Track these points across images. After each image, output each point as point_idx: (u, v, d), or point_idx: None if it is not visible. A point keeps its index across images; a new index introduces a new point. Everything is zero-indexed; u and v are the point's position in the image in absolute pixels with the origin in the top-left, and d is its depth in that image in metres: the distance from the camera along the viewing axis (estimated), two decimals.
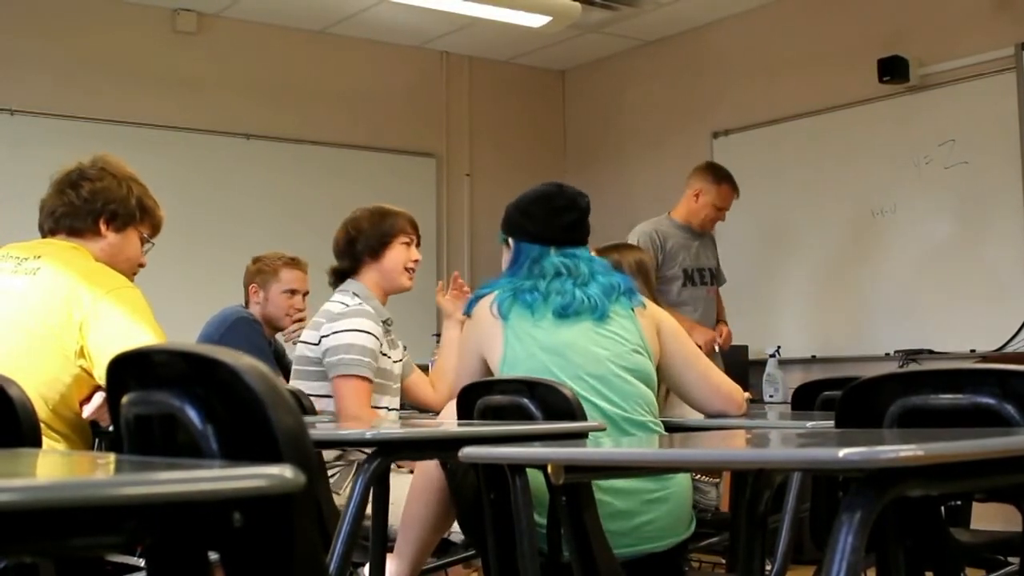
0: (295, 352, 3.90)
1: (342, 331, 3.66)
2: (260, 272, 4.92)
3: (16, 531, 0.91)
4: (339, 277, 3.93)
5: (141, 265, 3.24)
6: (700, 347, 5.61)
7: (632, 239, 5.71)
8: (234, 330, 4.67)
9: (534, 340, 2.96)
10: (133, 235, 3.16)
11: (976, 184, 6.24)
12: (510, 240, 3.21)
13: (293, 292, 4.82)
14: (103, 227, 3.09)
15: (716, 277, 5.94)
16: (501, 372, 2.99)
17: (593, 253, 3.84)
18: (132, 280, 3.13)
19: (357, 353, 3.63)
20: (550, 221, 3.14)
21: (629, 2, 7.27)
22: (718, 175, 5.91)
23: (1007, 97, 6.11)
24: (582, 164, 8.53)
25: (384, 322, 3.81)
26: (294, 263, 4.87)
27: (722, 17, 7.55)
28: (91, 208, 3.08)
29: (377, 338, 3.70)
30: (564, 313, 2.99)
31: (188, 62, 7.29)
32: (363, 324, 3.68)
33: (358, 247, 3.87)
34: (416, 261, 3.94)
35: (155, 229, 3.25)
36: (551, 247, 3.12)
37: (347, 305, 3.75)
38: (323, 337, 3.69)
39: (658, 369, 3.08)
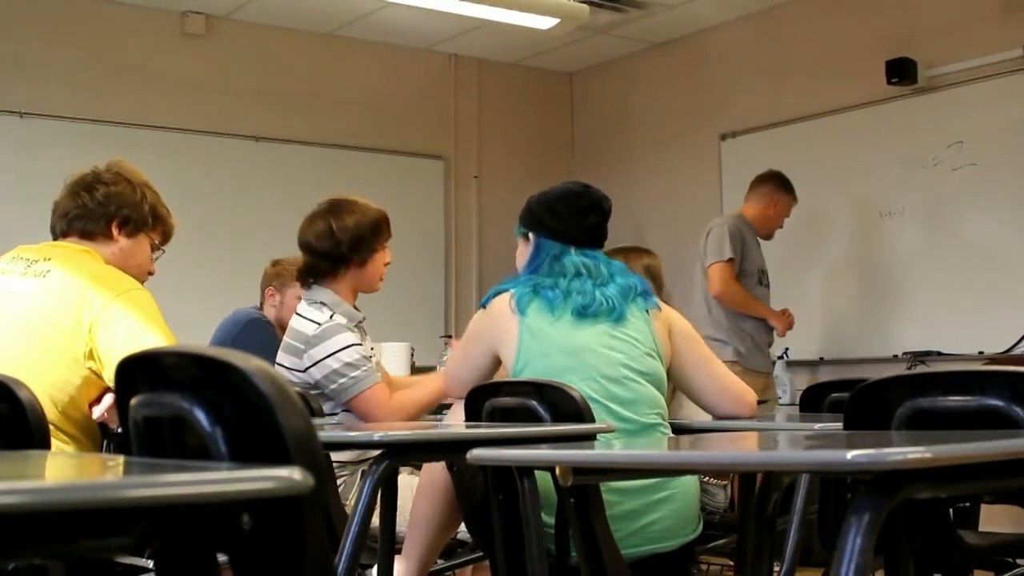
0: None
1: (326, 357, 3.53)
2: (278, 276, 4.93)
3: (25, 533, 0.91)
4: (311, 274, 3.73)
5: (150, 272, 3.24)
6: (780, 333, 5.92)
7: (718, 229, 5.87)
8: (247, 331, 4.68)
9: (550, 339, 2.96)
10: (144, 241, 3.17)
11: (984, 186, 6.23)
12: (530, 235, 3.19)
13: None
14: (115, 231, 3.10)
15: (769, 280, 6.13)
16: (514, 368, 2.98)
17: None
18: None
19: (354, 370, 3.52)
20: (574, 221, 3.13)
21: (637, 4, 7.28)
22: (788, 186, 6.09)
23: (1016, 99, 6.10)
24: (590, 166, 8.52)
25: (358, 324, 3.67)
26: None
27: (730, 19, 7.55)
28: (104, 211, 3.09)
29: (359, 343, 3.58)
30: (584, 313, 2.98)
31: (196, 65, 7.30)
32: (342, 341, 3.54)
33: (344, 251, 3.65)
34: (388, 263, 3.77)
35: (166, 236, 3.26)
36: (572, 246, 3.11)
37: (319, 324, 3.58)
38: (310, 367, 3.55)
39: (668, 370, 3.07)
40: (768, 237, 6.13)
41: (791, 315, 6.02)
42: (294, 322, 3.67)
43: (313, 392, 3.57)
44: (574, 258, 3.08)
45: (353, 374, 3.52)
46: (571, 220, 3.13)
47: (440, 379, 3.76)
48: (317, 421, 3.07)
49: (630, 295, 3.05)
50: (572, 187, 3.21)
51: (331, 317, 3.60)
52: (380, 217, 3.75)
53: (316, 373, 3.54)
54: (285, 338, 3.70)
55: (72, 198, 3.10)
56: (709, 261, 5.84)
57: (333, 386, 3.53)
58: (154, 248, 3.22)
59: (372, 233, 3.70)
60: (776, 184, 6.08)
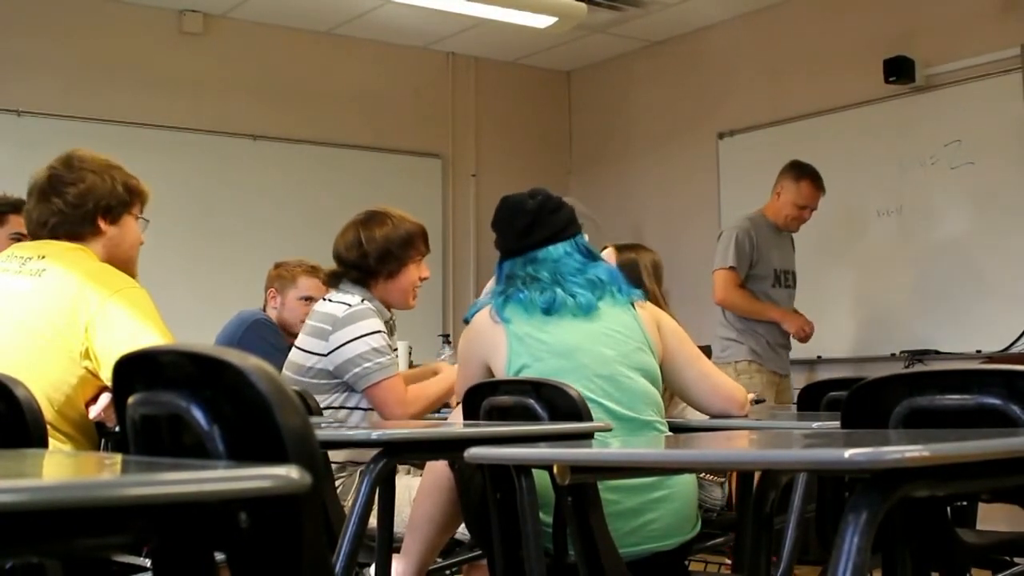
0: (289, 358, 3.71)
1: (353, 340, 3.52)
2: (279, 277, 4.96)
3: (22, 531, 0.91)
4: (339, 279, 3.73)
5: (140, 243, 3.21)
6: (793, 334, 5.79)
7: (727, 234, 5.75)
8: (253, 331, 4.69)
9: (540, 343, 2.95)
10: (129, 220, 3.13)
11: (982, 184, 6.23)
12: None
13: (309, 299, 4.79)
14: (101, 224, 3.06)
15: (795, 280, 5.95)
16: (507, 375, 2.97)
17: (610, 250, 3.82)
18: (136, 260, 3.15)
19: (379, 356, 3.51)
20: (504, 233, 3.13)
21: (635, 3, 7.27)
22: (799, 172, 5.83)
23: (1013, 97, 6.10)
24: (587, 164, 8.53)
25: (386, 322, 3.67)
26: (313, 271, 4.84)
27: (728, 18, 7.55)
28: (84, 211, 3.03)
29: (384, 331, 3.59)
30: (548, 310, 2.96)
31: (194, 63, 7.30)
32: (370, 325, 3.54)
33: (371, 264, 3.65)
34: (424, 278, 3.77)
35: (144, 203, 3.20)
36: (516, 258, 3.10)
37: (349, 305, 3.57)
38: (334, 350, 3.53)
39: (660, 367, 3.06)
40: (789, 228, 5.89)
41: (804, 319, 5.85)
42: (321, 307, 3.66)
43: (330, 382, 3.57)
44: (518, 271, 3.05)
45: (378, 359, 3.52)
46: (503, 234, 3.15)
47: (444, 385, 3.75)
48: (314, 420, 3.07)
49: (598, 289, 3.01)
50: (498, 205, 3.19)
51: (362, 301, 3.59)
52: (414, 231, 3.73)
53: (340, 356, 3.53)
54: (309, 321, 3.67)
55: (44, 204, 3.03)
56: (713, 267, 5.76)
57: (356, 370, 3.51)
58: (136, 219, 3.18)
59: (402, 247, 3.68)
60: (784, 172, 5.88)
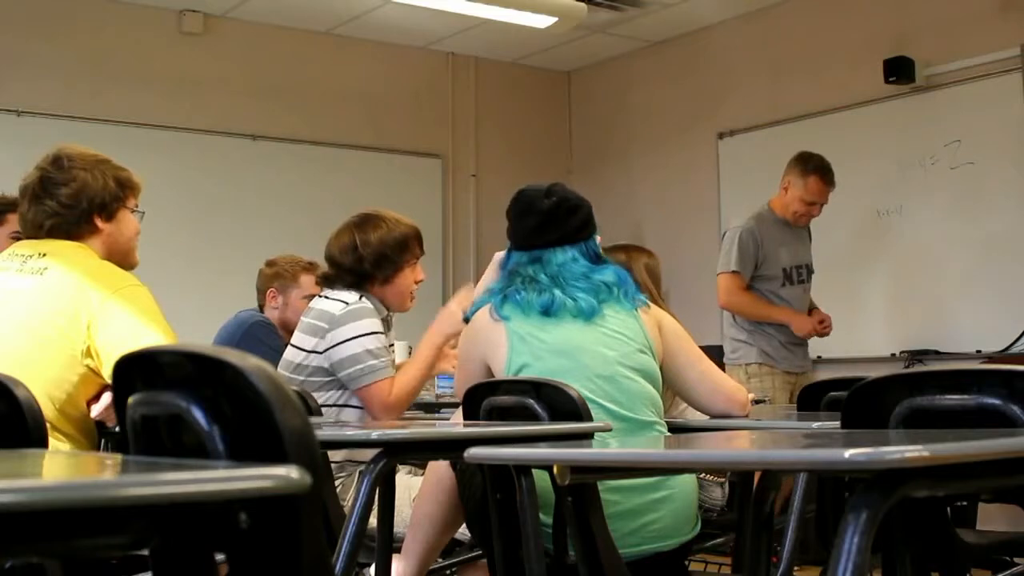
0: (284, 355, 3.69)
1: (349, 339, 3.50)
2: (278, 276, 4.85)
3: (22, 532, 0.91)
4: (333, 283, 3.69)
5: (137, 233, 3.19)
6: (803, 337, 5.64)
7: (730, 234, 5.60)
8: (251, 334, 4.62)
9: (541, 342, 2.95)
10: (124, 213, 3.12)
11: (982, 185, 6.23)
12: None
13: (312, 297, 4.76)
14: (98, 222, 3.05)
15: (811, 273, 5.76)
16: (507, 373, 2.97)
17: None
18: (135, 251, 3.14)
19: (373, 358, 3.50)
20: (516, 228, 3.11)
21: (635, 3, 7.28)
22: (806, 167, 5.61)
23: (1013, 98, 6.11)
24: (587, 165, 8.53)
25: (383, 320, 3.66)
26: (312, 268, 4.74)
27: (728, 18, 7.55)
28: (79, 210, 3.02)
29: (381, 332, 3.57)
30: (547, 312, 2.96)
31: (194, 63, 7.30)
32: (368, 325, 3.53)
33: (367, 267, 3.62)
34: (420, 281, 3.77)
35: (137, 195, 3.18)
36: (522, 253, 3.09)
37: (347, 303, 3.55)
38: (330, 348, 3.52)
39: (661, 368, 3.06)
40: (798, 224, 5.68)
41: (817, 319, 5.66)
42: (319, 304, 3.64)
43: (326, 379, 3.56)
44: (519, 270, 3.05)
45: (370, 362, 3.50)
46: (514, 228, 3.12)
47: (421, 360, 3.69)
48: (314, 420, 3.07)
49: (601, 293, 3.01)
50: (515, 194, 3.17)
51: (360, 299, 3.58)
52: (409, 233, 3.70)
53: (336, 354, 3.51)
54: (305, 319, 3.65)
55: (38, 206, 3.02)
56: (717, 270, 5.61)
57: (350, 370, 3.50)
58: (132, 211, 3.16)
59: (397, 250, 3.66)
60: (790, 165, 5.67)
